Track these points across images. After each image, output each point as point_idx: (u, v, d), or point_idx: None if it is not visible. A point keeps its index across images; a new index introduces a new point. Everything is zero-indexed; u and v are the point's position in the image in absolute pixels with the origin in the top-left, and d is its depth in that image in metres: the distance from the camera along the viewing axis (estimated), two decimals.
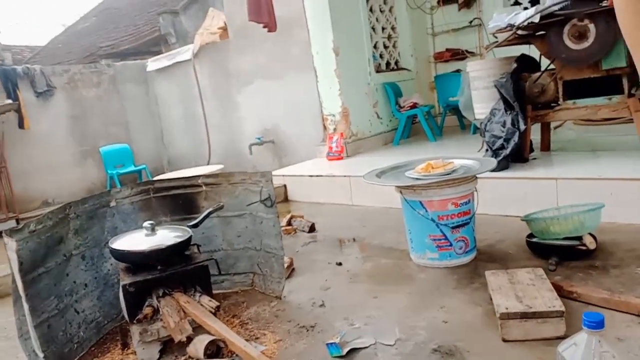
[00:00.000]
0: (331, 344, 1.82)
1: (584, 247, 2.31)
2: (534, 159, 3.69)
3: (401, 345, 1.83)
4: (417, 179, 2.46)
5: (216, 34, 6.38)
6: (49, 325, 1.90)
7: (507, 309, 1.75)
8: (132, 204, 2.46)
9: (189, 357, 1.89)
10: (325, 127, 5.45)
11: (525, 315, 1.72)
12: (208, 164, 7.28)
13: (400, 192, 2.54)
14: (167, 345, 1.98)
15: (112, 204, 2.38)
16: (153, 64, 7.53)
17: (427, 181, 2.37)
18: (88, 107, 7.20)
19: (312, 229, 3.59)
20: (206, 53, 6.72)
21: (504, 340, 1.75)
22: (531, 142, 3.70)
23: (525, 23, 2.98)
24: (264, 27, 4.52)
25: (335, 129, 5.29)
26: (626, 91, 2.96)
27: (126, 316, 1.92)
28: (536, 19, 2.94)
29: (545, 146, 3.88)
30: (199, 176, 2.56)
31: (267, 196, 2.38)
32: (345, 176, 4.25)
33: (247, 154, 6.50)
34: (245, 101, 6.46)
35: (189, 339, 1.86)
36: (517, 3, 5.83)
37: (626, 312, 1.80)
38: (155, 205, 2.53)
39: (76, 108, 7.08)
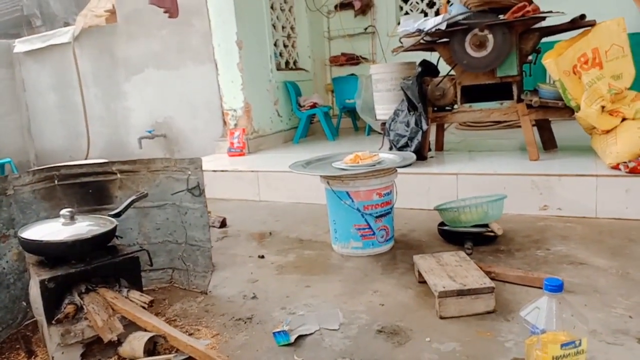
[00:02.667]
0: (279, 332, 1.77)
1: (492, 233, 2.55)
2: (432, 157, 3.99)
3: (346, 329, 1.85)
4: (345, 169, 2.51)
5: (102, 17, 5.86)
6: None
7: (444, 287, 1.86)
8: (34, 193, 2.15)
9: (120, 357, 1.71)
10: (225, 122, 5.30)
11: (461, 293, 1.84)
12: (86, 158, 6.65)
13: (327, 182, 2.56)
14: (89, 348, 1.76)
15: (10, 191, 2.05)
16: (22, 45, 6.66)
17: (357, 171, 2.43)
18: None
19: (223, 224, 3.46)
20: (89, 37, 6.12)
21: (441, 318, 1.86)
22: (429, 141, 3.99)
23: (433, 29, 3.21)
24: (165, 12, 4.26)
25: (236, 125, 5.17)
26: (515, 97, 3.35)
27: (41, 316, 1.66)
28: (443, 26, 3.18)
29: (440, 146, 4.21)
30: (113, 162, 2.32)
31: (195, 184, 2.25)
32: (252, 171, 4.18)
33: (133, 148, 6.06)
34: (134, 91, 6.02)
35: (119, 338, 1.68)
36: (407, 14, 6.26)
37: (539, 287, 2.02)
38: (61, 194, 2.23)
39: None
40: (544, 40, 3.37)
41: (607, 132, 3.00)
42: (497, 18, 3.13)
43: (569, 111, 3.17)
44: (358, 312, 1.98)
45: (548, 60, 3.08)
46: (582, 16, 3.13)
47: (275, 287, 2.31)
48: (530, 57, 3.43)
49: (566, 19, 3.19)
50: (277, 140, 5.68)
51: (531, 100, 3.24)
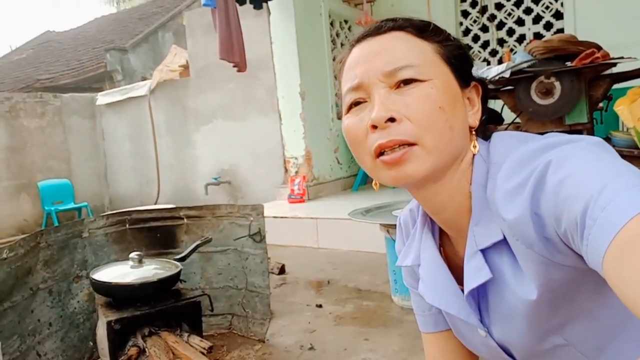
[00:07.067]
0: None
1: None
2: None
3: None
4: None
5: (176, 72, 6.29)
6: None
7: None
8: (106, 236, 2.27)
9: None
10: (286, 170, 5.42)
11: None
12: (156, 203, 6.98)
13: (387, 231, 2.52)
14: None
15: (85, 234, 2.18)
16: (103, 97, 7.26)
17: None
18: (28, 138, 6.74)
19: (282, 270, 3.47)
20: (164, 90, 6.58)
21: None
22: None
23: (497, 77, 3.17)
24: (234, 66, 4.51)
25: (297, 172, 5.28)
26: None
27: (106, 357, 1.71)
28: (507, 74, 3.14)
29: None
30: (180, 208, 2.42)
31: (256, 230, 2.29)
32: (312, 218, 4.20)
33: (199, 194, 6.30)
34: (202, 140, 6.33)
35: None
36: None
37: None
38: (131, 238, 2.34)
39: (15, 138, 6.61)
40: (616, 86, 3.23)
41: None
42: (564, 65, 3.05)
43: None
44: None
45: (621, 107, 2.94)
46: None
47: (332, 338, 2.26)
48: (601, 104, 3.29)
49: (639, 64, 3.05)
50: (337, 187, 5.72)
51: None
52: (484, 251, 0.62)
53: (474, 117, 0.66)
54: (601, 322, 0.60)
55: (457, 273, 0.68)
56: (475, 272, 0.62)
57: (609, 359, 0.61)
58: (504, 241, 0.60)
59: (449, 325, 0.77)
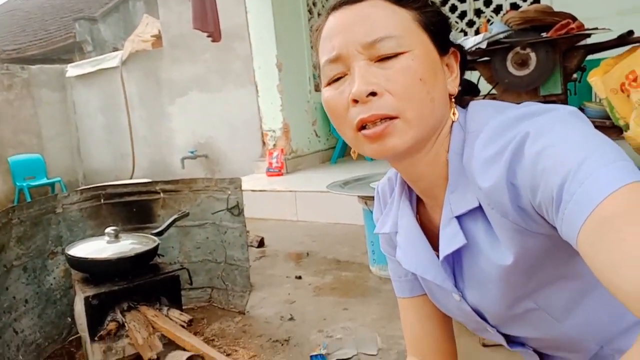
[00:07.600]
0: (316, 356, 1.75)
1: None
2: None
3: (384, 354, 1.81)
4: None
5: (148, 42, 6.11)
6: None
7: None
8: (81, 211, 2.23)
9: None
10: (264, 143, 5.38)
11: None
12: (131, 177, 6.88)
13: (365, 203, 2.54)
14: None
15: (59, 210, 2.14)
16: (74, 69, 7.02)
17: None
18: None
19: (261, 243, 3.49)
20: (136, 61, 6.39)
21: (484, 345, 1.79)
22: None
23: (473, 48, 3.17)
24: (208, 36, 4.40)
25: (275, 145, 5.24)
26: None
27: (85, 333, 1.70)
28: (483, 45, 3.14)
29: None
30: (156, 182, 2.39)
31: (234, 204, 2.28)
32: (290, 191, 4.20)
33: (175, 168, 6.23)
34: (177, 113, 6.22)
35: (158, 357, 1.69)
36: None
37: None
38: (106, 213, 2.31)
39: None
40: (590, 57, 3.26)
41: None
42: (539, 36, 3.06)
43: (617, 130, 3.04)
44: (397, 337, 1.93)
45: (594, 78, 2.99)
46: (630, 32, 3.02)
47: (312, 308, 2.30)
48: (575, 75, 3.33)
49: (613, 35, 3.09)
50: (315, 160, 5.71)
51: None
52: (459, 218, 0.63)
53: (453, 83, 0.66)
54: (571, 287, 0.62)
55: (434, 240, 0.69)
56: (450, 238, 0.63)
57: (575, 319, 0.64)
58: (480, 209, 0.60)
59: (424, 291, 0.79)
